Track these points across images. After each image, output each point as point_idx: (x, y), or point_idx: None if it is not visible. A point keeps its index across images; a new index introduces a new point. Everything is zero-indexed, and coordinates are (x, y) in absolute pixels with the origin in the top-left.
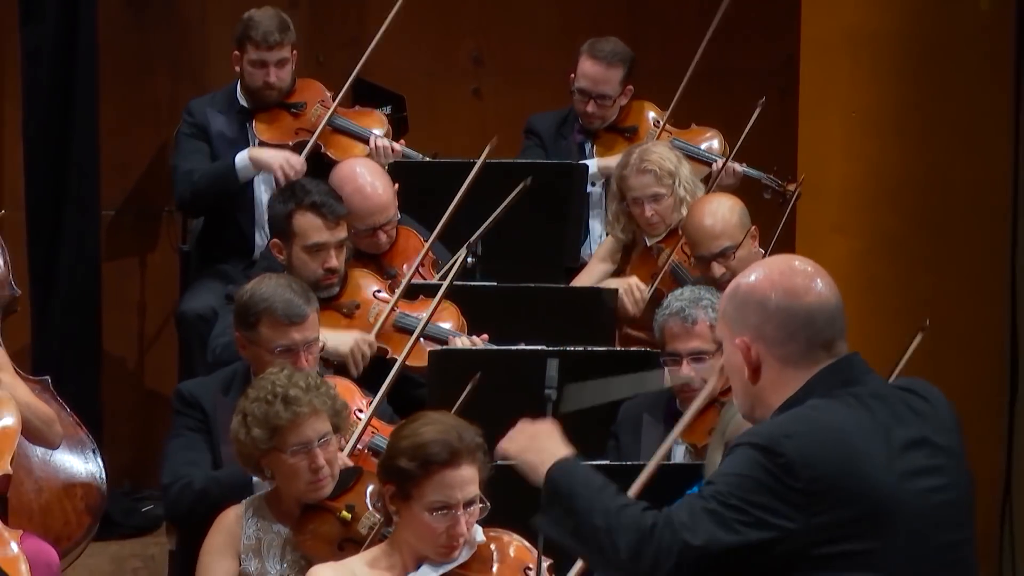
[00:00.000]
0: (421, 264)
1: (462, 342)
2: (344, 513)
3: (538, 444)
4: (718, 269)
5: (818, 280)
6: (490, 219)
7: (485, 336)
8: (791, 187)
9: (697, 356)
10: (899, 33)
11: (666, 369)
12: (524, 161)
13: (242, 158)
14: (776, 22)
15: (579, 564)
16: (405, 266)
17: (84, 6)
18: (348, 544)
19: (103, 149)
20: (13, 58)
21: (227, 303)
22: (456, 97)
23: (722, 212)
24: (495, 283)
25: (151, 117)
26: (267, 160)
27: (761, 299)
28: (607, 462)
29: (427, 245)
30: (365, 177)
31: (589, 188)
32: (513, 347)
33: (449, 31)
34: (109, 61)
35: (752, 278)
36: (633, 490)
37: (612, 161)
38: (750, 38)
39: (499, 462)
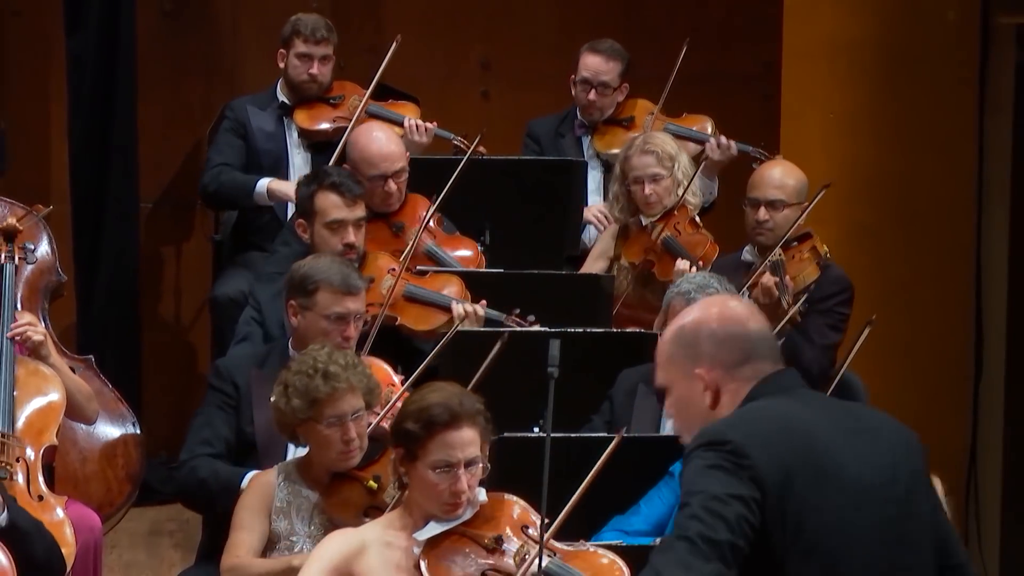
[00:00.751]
0: (429, 228)
1: (464, 308)
2: (371, 482)
3: None
4: (764, 214)
5: (752, 311)
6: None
7: (484, 302)
8: (776, 157)
9: None
10: (874, 41)
11: None
12: (527, 159)
13: (261, 185)
14: (760, 31)
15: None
16: (412, 230)
17: (124, 16)
18: (373, 511)
19: (141, 147)
20: (59, 64)
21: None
22: (466, 98)
23: (787, 172)
24: (502, 270)
25: (185, 118)
26: (284, 191)
27: (710, 331)
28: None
29: (431, 208)
30: (378, 132)
31: (591, 169)
32: (519, 328)
33: (460, 39)
34: (147, 67)
35: (693, 317)
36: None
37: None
38: (736, 46)
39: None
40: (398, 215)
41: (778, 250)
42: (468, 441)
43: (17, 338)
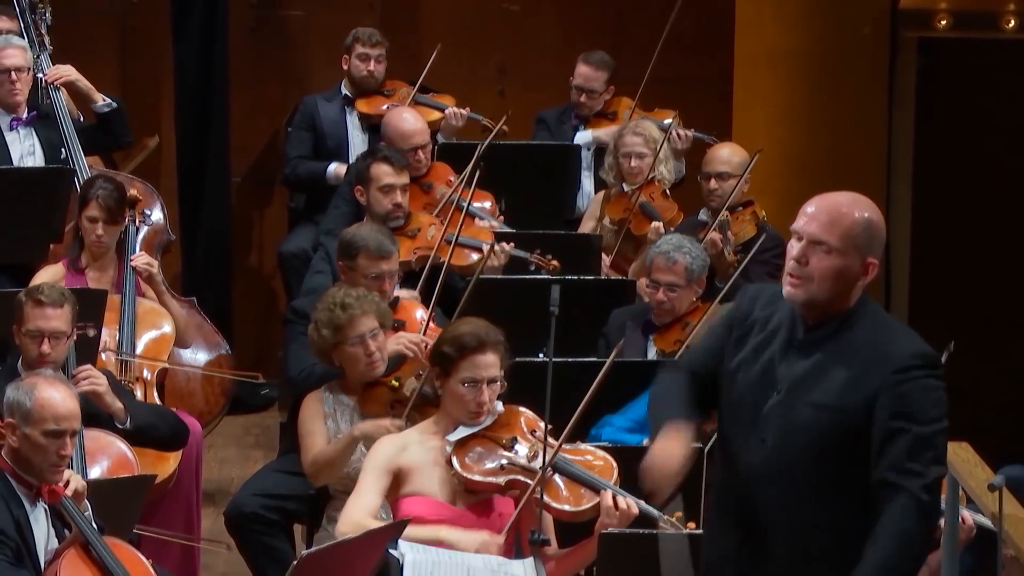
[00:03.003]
0: (457, 191)
1: (498, 247)
2: (393, 382)
3: None
4: (714, 184)
5: None
6: None
7: (512, 243)
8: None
9: (671, 287)
10: (806, 51)
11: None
12: (535, 143)
13: (331, 169)
14: (716, 43)
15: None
16: (439, 187)
17: (218, 30)
18: (396, 404)
19: (232, 133)
20: (167, 68)
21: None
22: (486, 96)
23: (732, 151)
24: (514, 230)
25: (267, 111)
26: (339, 173)
27: (882, 234)
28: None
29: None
30: (407, 114)
31: (584, 151)
32: (526, 276)
33: (481, 48)
34: (236, 70)
35: (877, 217)
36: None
37: (601, 132)
38: (696, 55)
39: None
40: (426, 176)
41: (725, 212)
42: (491, 363)
43: (137, 267)
